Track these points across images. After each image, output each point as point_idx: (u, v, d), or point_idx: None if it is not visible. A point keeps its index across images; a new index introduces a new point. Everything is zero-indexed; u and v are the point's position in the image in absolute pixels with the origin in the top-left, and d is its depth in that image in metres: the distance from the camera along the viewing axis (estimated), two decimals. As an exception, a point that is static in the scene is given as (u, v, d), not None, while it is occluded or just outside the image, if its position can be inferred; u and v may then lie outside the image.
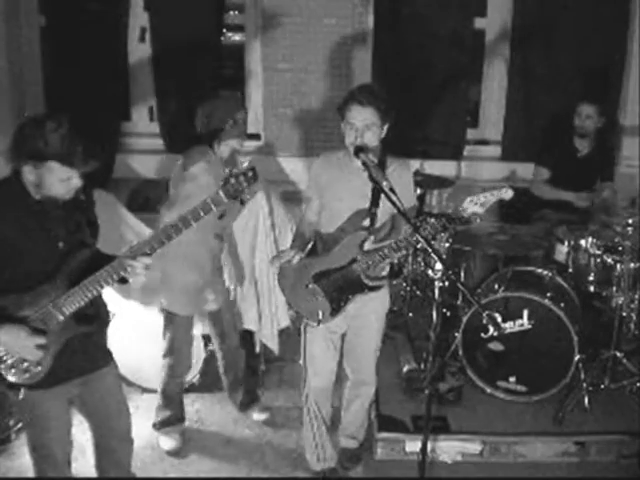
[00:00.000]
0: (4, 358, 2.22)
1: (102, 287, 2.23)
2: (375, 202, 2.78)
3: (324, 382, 3.03)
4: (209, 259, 3.26)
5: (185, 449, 3.44)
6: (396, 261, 2.81)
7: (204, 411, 3.73)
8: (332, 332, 2.96)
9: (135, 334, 3.76)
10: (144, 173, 5.08)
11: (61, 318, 2.22)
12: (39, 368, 2.24)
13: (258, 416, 3.63)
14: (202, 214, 2.18)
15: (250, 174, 2.16)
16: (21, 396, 2.24)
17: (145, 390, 3.83)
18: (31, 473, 2.52)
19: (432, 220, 2.63)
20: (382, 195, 2.75)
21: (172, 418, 3.45)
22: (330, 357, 3.01)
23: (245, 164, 2.22)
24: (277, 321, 3.85)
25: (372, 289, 2.84)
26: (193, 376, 3.79)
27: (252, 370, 3.82)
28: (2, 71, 4.75)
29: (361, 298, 2.84)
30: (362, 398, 3.14)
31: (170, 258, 3.06)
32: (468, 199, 2.61)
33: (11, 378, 2.23)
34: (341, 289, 2.81)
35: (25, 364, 2.23)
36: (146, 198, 5.16)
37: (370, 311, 2.95)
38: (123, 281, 2.28)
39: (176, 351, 3.34)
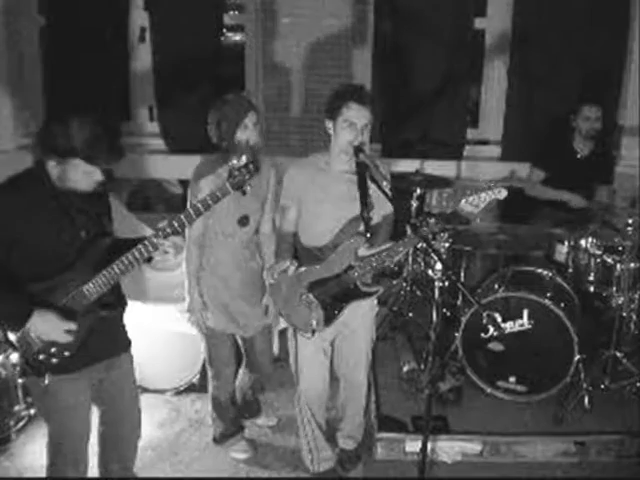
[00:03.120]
0: (32, 344, 2.27)
1: (132, 267, 2.31)
2: (365, 205, 2.77)
3: (317, 389, 3.02)
4: (237, 273, 3.07)
5: (185, 449, 3.45)
6: (393, 266, 2.82)
7: (204, 411, 3.72)
8: (323, 339, 2.94)
9: (135, 334, 3.75)
10: (144, 173, 5.08)
11: (86, 303, 2.30)
12: (66, 353, 2.31)
13: (267, 422, 3.58)
14: (211, 203, 2.30)
15: (251, 166, 2.29)
16: (46, 381, 2.29)
17: (145, 390, 3.83)
18: (31, 473, 2.53)
19: (431, 221, 2.64)
20: (370, 198, 2.77)
21: (230, 430, 3.39)
22: (321, 364, 3.00)
23: (243, 158, 2.32)
24: (277, 321, 3.85)
25: (368, 295, 2.84)
26: (193, 376, 3.80)
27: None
28: (2, 71, 4.75)
29: (352, 304, 2.84)
30: (356, 400, 3.14)
31: (207, 276, 3.04)
32: (463, 200, 2.63)
33: (39, 363, 2.29)
34: (336, 297, 2.80)
35: (53, 349, 2.29)
36: (146, 198, 5.17)
37: (359, 315, 2.93)
38: (149, 260, 2.37)
39: (216, 359, 3.22)
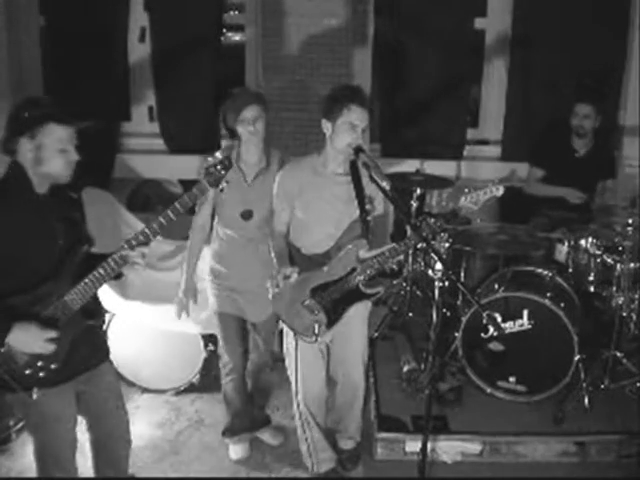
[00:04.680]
0: (17, 360, 2.22)
1: (103, 281, 2.28)
2: (364, 208, 2.77)
3: (316, 391, 3.02)
4: (247, 263, 3.13)
5: (185, 449, 3.45)
6: (394, 266, 2.82)
7: (204, 411, 3.73)
8: (320, 341, 2.93)
9: (135, 334, 3.76)
10: (144, 173, 5.08)
11: (68, 314, 2.26)
12: (53, 365, 2.27)
13: (271, 439, 3.52)
14: (190, 202, 2.30)
15: (226, 162, 2.32)
16: (35, 396, 2.24)
17: (145, 390, 3.84)
18: (31, 473, 2.53)
19: (431, 221, 2.64)
20: (366, 199, 2.77)
21: (237, 424, 3.39)
22: (319, 365, 3.01)
23: (218, 154, 2.35)
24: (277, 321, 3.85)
25: (369, 296, 2.84)
26: (193, 376, 3.80)
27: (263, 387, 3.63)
28: (2, 71, 4.74)
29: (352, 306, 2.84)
30: (354, 401, 3.14)
31: (220, 260, 3.12)
32: (462, 198, 2.66)
33: (26, 378, 2.24)
34: (338, 301, 2.80)
35: (39, 362, 2.25)
36: (146, 198, 5.16)
37: (354, 315, 2.92)
38: (118, 276, 2.36)
39: (224, 347, 3.28)
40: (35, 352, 2.21)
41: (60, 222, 2.29)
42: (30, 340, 2.18)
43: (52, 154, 2.20)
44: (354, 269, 2.77)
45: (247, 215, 3.06)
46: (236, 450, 3.41)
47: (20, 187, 2.22)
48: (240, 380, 3.33)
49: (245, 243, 3.11)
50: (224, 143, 3.10)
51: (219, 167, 2.31)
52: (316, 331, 2.81)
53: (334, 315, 2.82)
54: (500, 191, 2.65)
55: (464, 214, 2.70)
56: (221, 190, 2.40)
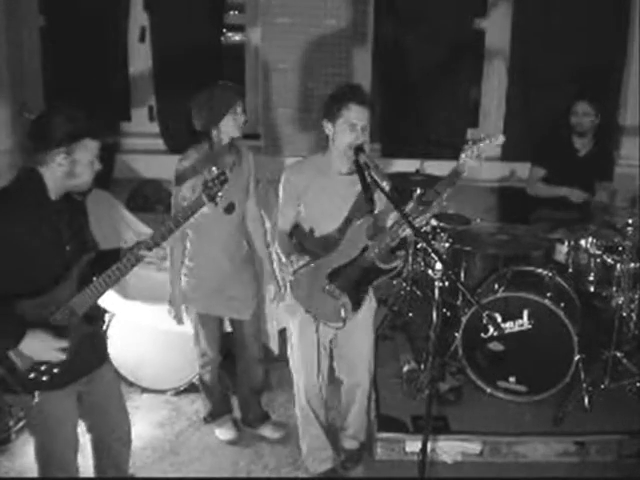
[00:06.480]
0: (21, 363, 2.22)
1: (118, 279, 2.31)
2: (371, 199, 2.72)
3: (317, 387, 3.02)
4: (227, 260, 3.18)
5: (185, 449, 3.45)
6: (401, 238, 2.76)
7: (204, 411, 3.72)
8: (323, 336, 2.94)
9: (135, 334, 3.76)
10: (144, 173, 5.08)
11: (75, 319, 2.27)
12: (56, 370, 2.27)
13: (271, 433, 3.52)
14: (190, 214, 2.37)
15: (222, 177, 2.40)
16: (36, 400, 2.25)
17: (145, 390, 3.84)
18: (31, 473, 2.52)
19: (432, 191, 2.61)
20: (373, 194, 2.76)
21: (218, 409, 3.51)
22: (323, 362, 3.00)
23: (214, 169, 2.41)
24: (277, 321, 3.85)
25: (388, 272, 2.81)
26: (193, 376, 3.79)
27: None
28: (2, 71, 4.75)
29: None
30: (359, 400, 3.14)
31: (195, 258, 3.14)
32: (463, 155, 2.59)
33: (29, 381, 2.25)
34: (358, 281, 2.79)
35: (43, 367, 2.25)
36: (146, 198, 5.16)
37: (357, 315, 2.91)
38: None
39: (202, 341, 3.35)
40: (44, 360, 2.23)
41: (67, 227, 2.30)
42: (43, 348, 2.20)
43: (84, 169, 2.24)
44: (366, 248, 2.75)
45: (230, 208, 3.10)
46: (222, 432, 3.50)
47: (33, 193, 2.21)
48: (217, 369, 3.44)
49: (228, 238, 3.15)
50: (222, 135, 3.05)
51: (217, 182, 2.37)
52: (343, 315, 2.79)
53: (357, 296, 2.81)
54: (500, 139, 2.57)
55: (465, 171, 2.60)
56: (216, 204, 2.43)
